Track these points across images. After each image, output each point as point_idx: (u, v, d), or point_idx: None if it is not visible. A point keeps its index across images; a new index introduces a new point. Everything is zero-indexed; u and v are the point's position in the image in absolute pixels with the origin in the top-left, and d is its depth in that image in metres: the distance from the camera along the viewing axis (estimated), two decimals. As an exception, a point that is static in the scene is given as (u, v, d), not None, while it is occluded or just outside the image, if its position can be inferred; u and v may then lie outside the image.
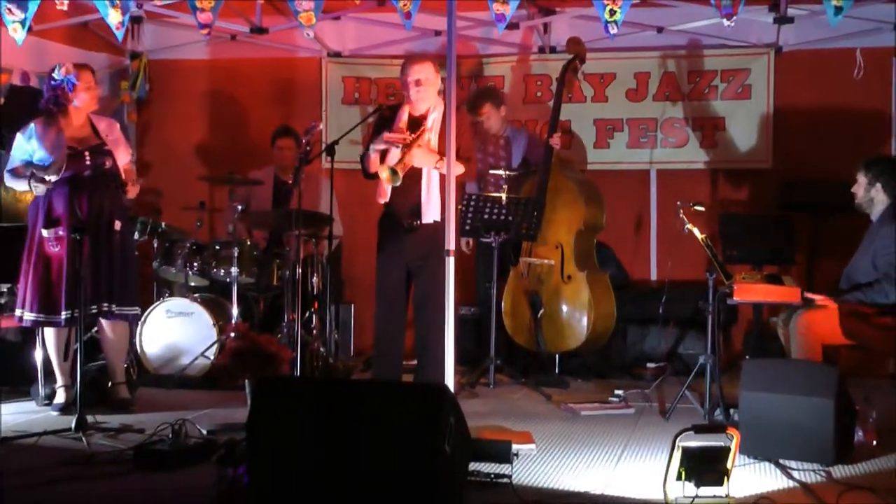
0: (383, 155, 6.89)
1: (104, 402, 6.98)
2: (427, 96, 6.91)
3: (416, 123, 6.89)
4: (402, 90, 7.09)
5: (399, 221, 6.96)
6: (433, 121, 6.89)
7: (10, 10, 7.42)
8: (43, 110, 6.91)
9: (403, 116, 6.98)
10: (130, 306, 7.04)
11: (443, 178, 6.71)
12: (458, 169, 6.53)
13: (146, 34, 10.09)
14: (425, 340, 6.93)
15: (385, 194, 6.88)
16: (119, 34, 7.67)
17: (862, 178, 6.97)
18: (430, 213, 6.85)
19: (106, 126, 7.09)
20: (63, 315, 6.75)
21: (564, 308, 8.27)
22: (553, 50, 9.59)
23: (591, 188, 8.61)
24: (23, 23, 7.51)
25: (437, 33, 9.42)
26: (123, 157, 7.06)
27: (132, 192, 7.05)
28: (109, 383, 7.15)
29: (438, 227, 6.73)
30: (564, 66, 8.55)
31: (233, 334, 7.12)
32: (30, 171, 6.71)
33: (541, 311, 8.25)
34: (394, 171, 6.60)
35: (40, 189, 6.70)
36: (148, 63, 10.16)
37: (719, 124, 9.47)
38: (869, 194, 6.95)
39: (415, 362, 7.17)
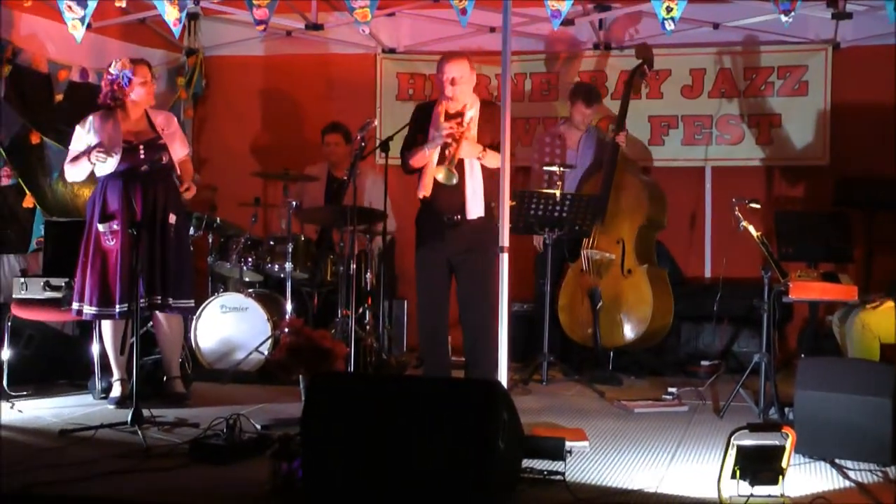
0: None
1: (160, 396, 7.05)
2: (461, 94, 6.85)
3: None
4: (437, 88, 7.01)
5: (440, 216, 6.90)
6: (470, 117, 6.85)
7: (69, 7, 7.48)
8: (101, 105, 6.99)
9: (440, 113, 6.95)
10: (185, 300, 7.07)
11: (485, 173, 6.76)
12: (496, 160, 6.54)
13: (202, 31, 10.16)
14: (474, 338, 6.90)
15: (427, 188, 6.84)
16: (176, 31, 7.71)
17: None
18: (475, 210, 6.81)
19: (163, 120, 7.14)
20: (118, 308, 6.79)
21: (623, 302, 8.27)
22: (608, 46, 9.55)
23: (654, 186, 8.67)
24: (82, 20, 7.58)
25: (492, 30, 9.41)
26: (181, 151, 7.10)
27: (190, 192, 7.11)
28: (165, 377, 7.21)
29: (481, 223, 6.76)
30: (633, 70, 8.67)
31: (287, 330, 7.15)
32: (89, 149, 6.78)
33: (599, 305, 8.24)
34: (450, 171, 6.57)
35: (101, 160, 6.72)
36: (204, 59, 10.26)
37: (775, 121, 9.41)
38: None
39: (463, 358, 7.16)
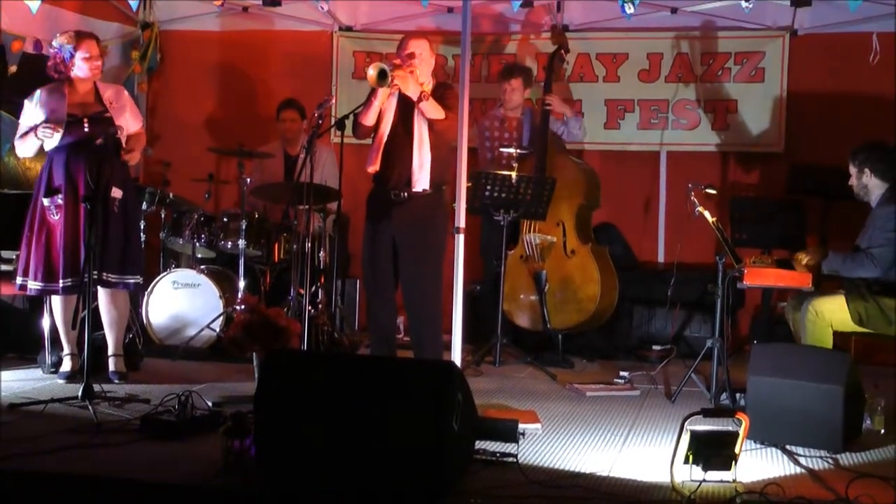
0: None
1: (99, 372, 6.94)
2: (420, 72, 6.83)
3: (408, 103, 6.84)
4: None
5: (387, 194, 6.91)
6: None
7: (24, -23, 7.40)
8: (48, 78, 6.91)
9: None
10: (130, 275, 6.98)
11: (434, 151, 6.77)
12: (435, 111, 6.67)
13: (158, 5, 10.03)
14: (417, 319, 6.95)
15: (375, 162, 6.84)
16: (134, 4, 7.64)
17: (853, 168, 6.96)
18: (421, 182, 6.79)
19: (112, 94, 7.05)
20: (62, 283, 6.74)
21: (571, 283, 8.28)
22: (566, 29, 9.52)
23: (587, 166, 8.76)
24: (37, -10, 7.48)
25: (450, 10, 9.40)
26: (133, 124, 7.03)
27: (132, 158, 7.00)
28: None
29: (429, 203, 6.78)
30: (551, 55, 8.72)
31: (241, 307, 7.11)
32: (36, 125, 6.72)
33: (546, 288, 8.23)
34: (383, 71, 6.48)
35: (48, 134, 6.67)
36: (159, 33, 10.11)
37: (731, 107, 9.44)
38: (861, 182, 6.92)
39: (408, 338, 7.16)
